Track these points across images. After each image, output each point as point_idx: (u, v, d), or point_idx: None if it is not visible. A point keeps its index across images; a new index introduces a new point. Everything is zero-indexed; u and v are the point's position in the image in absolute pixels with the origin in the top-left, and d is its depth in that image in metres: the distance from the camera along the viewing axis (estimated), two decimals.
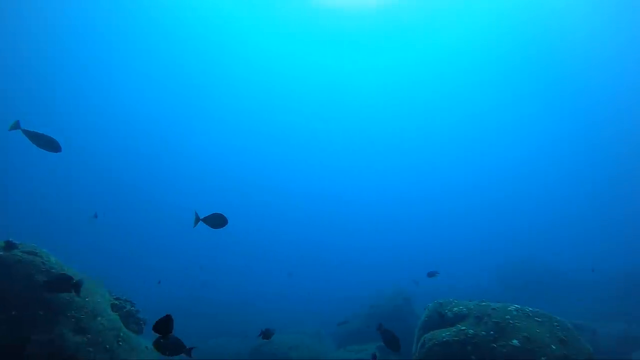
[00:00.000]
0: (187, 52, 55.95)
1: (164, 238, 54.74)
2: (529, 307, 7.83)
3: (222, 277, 38.23)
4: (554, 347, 6.80)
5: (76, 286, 7.32)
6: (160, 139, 68.73)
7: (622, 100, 56.81)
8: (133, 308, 9.69)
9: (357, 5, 45.75)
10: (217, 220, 8.33)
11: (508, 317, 7.40)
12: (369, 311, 17.09)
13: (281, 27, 50.98)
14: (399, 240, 58.50)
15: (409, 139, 72.38)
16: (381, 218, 67.52)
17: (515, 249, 38.06)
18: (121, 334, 8.05)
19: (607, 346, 15.30)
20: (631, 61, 49.52)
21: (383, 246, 55.87)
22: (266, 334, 10.56)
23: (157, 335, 4.92)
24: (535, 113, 63.60)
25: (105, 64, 56.34)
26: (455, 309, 8.19)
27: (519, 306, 7.81)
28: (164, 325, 4.61)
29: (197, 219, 8.17)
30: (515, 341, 6.90)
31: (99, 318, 7.87)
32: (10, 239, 7.84)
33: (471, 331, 7.30)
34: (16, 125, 7.68)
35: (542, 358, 6.62)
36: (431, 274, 13.02)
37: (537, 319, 7.45)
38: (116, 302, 9.26)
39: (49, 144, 7.94)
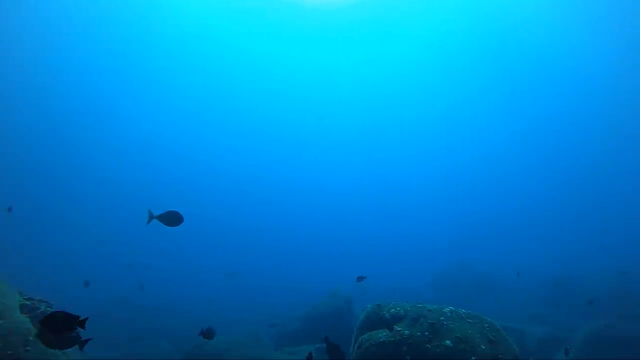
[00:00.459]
0: (181, 52, 56.45)
1: (103, 236, 51.82)
2: (463, 309, 8.03)
3: (159, 278, 36.75)
4: (483, 347, 6.99)
5: None
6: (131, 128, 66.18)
7: (562, 114, 61.10)
8: (50, 309, 8.73)
9: (337, 3, 48.02)
10: (172, 218, 7.88)
11: (442, 318, 7.53)
12: (308, 312, 16.98)
13: (270, 27, 52.40)
14: (340, 242, 59.10)
15: (357, 135, 73.60)
16: (321, 220, 67.96)
17: (452, 252, 39.63)
18: (30, 338, 7.20)
19: (533, 347, 16.22)
20: (584, 66, 53.33)
21: (324, 248, 56.18)
22: (207, 334, 10.09)
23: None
24: (481, 119, 67.01)
25: (96, 61, 55.70)
26: (393, 310, 8.25)
27: (453, 308, 7.98)
28: (53, 320, 4.12)
29: (151, 217, 7.74)
30: (448, 341, 7.02)
31: (1, 321, 7.00)
32: None
33: (407, 332, 7.35)
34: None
35: (473, 357, 6.78)
36: (360, 279, 13.44)
37: (469, 320, 7.64)
38: (28, 302, 8.31)
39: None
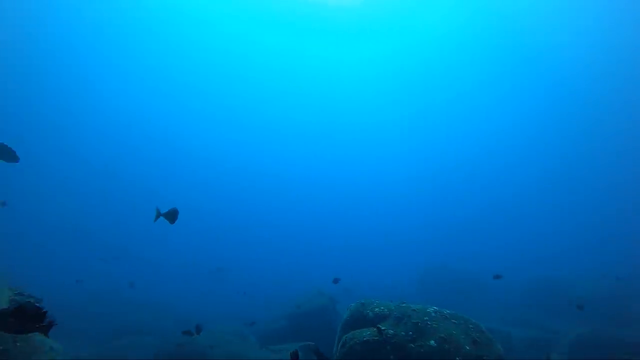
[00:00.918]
0: (177, 45, 56.43)
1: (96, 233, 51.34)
2: (447, 310, 8.00)
3: (149, 273, 36.54)
4: (468, 347, 6.96)
5: None
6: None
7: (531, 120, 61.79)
8: (38, 304, 8.55)
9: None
10: (175, 215, 7.83)
11: (427, 318, 7.49)
12: (293, 310, 16.90)
13: (270, 21, 52.62)
14: (326, 240, 59.14)
15: (348, 133, 73.66)
16: (307, 219, 68.01)
17: (437, 253, 39.81)
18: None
19: (517, 348, 16.30)
20: (563, 68, 53.94)
21: (311, 246, 56.21)
22: (196, 329, 10.02)
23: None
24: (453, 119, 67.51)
25: (87, 55, 55.45)
26: (377, 309, 8.20)
27: (437, 308, 7.94)
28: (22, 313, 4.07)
29: (158, 214, 7.71)
30: (432, 342, 6.98)
31: None
32: None
33: (391, 331, 7.29)
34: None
35: (457, 358, 6.74)
36: (335, 281, 13.63)
37: (453, 320, 7.61)
38: (17, 298, 8.15)
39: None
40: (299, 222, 66.58)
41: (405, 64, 58.49)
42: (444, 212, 65.42)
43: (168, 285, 33.78)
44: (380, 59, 57.81)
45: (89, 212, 55.85)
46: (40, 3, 46.08)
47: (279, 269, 43.42)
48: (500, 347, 7.42)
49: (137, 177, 67.00)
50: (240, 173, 76.34)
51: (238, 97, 68.14)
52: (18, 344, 7.09)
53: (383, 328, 7.45)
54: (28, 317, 4.31)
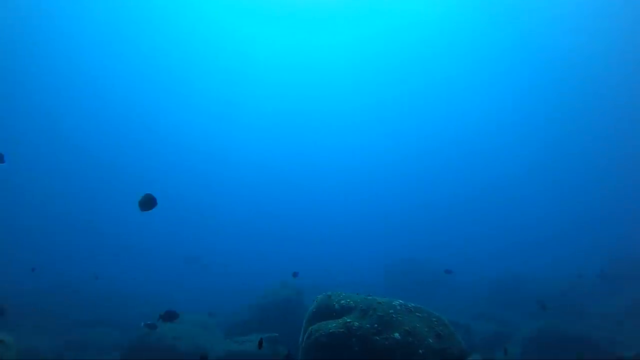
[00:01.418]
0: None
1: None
2: (412, 303, 8.10)
3: (117, 263, 35.73)
4: (431, 340, 7.07)
5: None
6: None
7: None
8: None
9: None
10: (150, 202, 7.47)
11: (392, 311, 7.55)
12: (259, 301, 16.81)
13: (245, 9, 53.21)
14: (295, 233, 59.21)
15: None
16: (273, 212, 67.84)
17: (406, 247, 40.29)
18: None
19: (479, 342, 16.79)
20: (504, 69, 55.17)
21: (279, 239, 56.10)
22: (168, 317, 9.65)
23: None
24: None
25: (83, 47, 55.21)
26: (343, 301, 8.22)
27: (402, 301, 8.03)
28: None
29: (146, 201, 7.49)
30: (397, 334, 7.04)
31: None
32: None
33: (356, 323, 7.32)
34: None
35: (420, 350, 6.83)
36: (294, 274, 14.26)
37: (417, 314, 7.71)
38: None
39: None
40: (271, 214, 66.27)
41: (373, 54, 58.90)
42: (414, 206, 66.18)
43: (138, 275, 33.06)
44: (353, 46, 58.06)
45: (55, 198, 54.19)
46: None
47: (246, 260, 43.14)
48: (462, 340, 7.58)
49: (104, 155, 65.19)
50: (218, 162, 75.50)
51: (204, 82, 67.12)
52: None
53: (348, 320, 7.46)
54: None
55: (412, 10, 51.10)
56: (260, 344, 6.72)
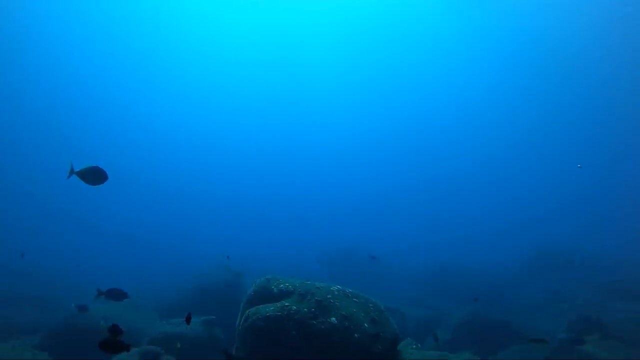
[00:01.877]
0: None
1: None
2: (349, 289, 8.23)
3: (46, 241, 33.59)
4: (366, 325, 7.23)
5: None
6: None
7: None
8: None
9: None
10: (96, 175, 6.83)
11: (329, 296, 7.63)
12: (197, 284, 16.47)
13: None
14: (238, 215, 58.72)
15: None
16: (222, 195, 66.90)
17: (348, 234, 41.06)
18: None
19: (411, 326, 17.59)
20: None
21: (220, 222, 55.43)
22: (112, 295, 9.03)
23: None
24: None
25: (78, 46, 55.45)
26: (282, 285, 8.23)
27: (340, 287, 8.15)
28: None
29: (72, 171, 6.81)
30: (333, 319, 7.13)
31: None
32: None
33: (294, 307, 7.33)
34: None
35: (356, 334, 6.97)
36: (227, 257, 14.88)
37: (355, 299, 7.86)
38: None
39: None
40: (215, 196, 65.09)
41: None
42: (358, 197, 67.22)
43: (71, 254, 31.23)
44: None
45: None
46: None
47: (186, 241, 42.13)
48: (395, 325, 7.83)
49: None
50: (168, 141, 72.88)
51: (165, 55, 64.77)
52: None
53: (286, 304, 7.45)
54: None
55: None
56: (188, 319, 6.54)
